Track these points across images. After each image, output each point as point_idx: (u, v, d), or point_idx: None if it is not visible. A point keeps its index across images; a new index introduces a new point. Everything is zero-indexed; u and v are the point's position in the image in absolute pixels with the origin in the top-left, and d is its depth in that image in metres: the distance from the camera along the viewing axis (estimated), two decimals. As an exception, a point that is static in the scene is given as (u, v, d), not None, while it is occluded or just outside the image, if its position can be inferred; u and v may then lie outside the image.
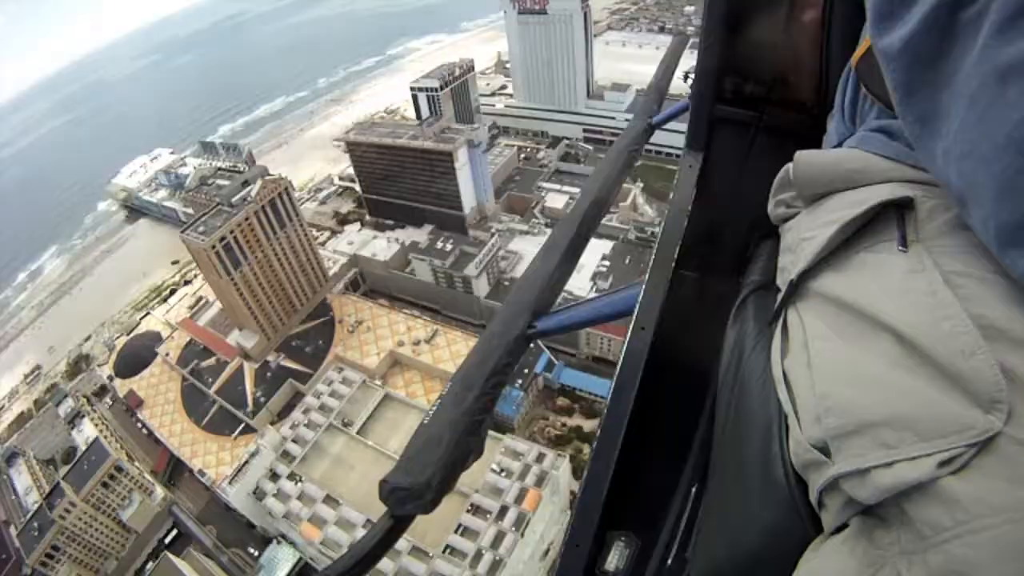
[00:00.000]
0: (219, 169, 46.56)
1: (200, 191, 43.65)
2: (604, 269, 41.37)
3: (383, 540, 1.19)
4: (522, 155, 54.64)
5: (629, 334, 1.49)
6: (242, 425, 39.73)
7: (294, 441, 31.84)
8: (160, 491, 40.10)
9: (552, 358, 37.80)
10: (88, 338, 58.88)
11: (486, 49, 66.94)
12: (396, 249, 44.83)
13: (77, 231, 75.80)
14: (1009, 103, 0.47)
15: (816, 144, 1.21)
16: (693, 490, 1.43)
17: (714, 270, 1.73)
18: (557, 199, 47.37)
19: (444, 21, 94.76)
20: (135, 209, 72.40)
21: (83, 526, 36.94)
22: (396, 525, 1.21)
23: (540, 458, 27.99)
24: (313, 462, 31.08)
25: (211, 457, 39.70)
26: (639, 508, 1.46)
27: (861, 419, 0.57)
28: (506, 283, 41.14)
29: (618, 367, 1.48)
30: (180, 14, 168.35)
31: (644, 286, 1.59)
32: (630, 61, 56.73)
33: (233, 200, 39.15)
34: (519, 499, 26.70)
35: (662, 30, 62.73)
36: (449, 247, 41.82)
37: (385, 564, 26.51)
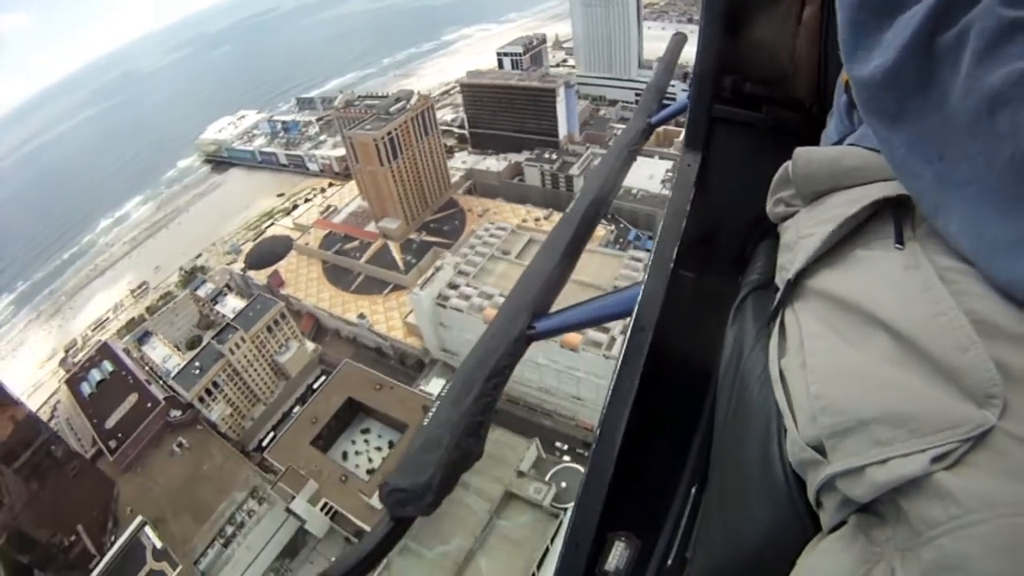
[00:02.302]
0: (359, 96, 59.76)
1: (348, 109, 56.51)
2: (669, 175, 56.48)
3: (383, 542, 1.23)
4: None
5: (628, 334, 1.53)
6: (391, 285, 51.28)
7: (466, 263, 44.08)
8: (310, 344, 50.50)
9: (639, 232, 51.95)
10: (199, 255, 68.76)
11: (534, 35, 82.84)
12: (506, 164, 58.61)
13: (161, 184, 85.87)
14: (1000, 134, 0.50)
15: (816, 143, 1.28)
16: (693, 490, 1.47)
17: (713, 270, 1.74)
18: (626, 135, 63.23)
19: (490, 13, 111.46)
20: (221, 161, 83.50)
21: (245, 364, 45.68)
22: (396, 527, 1.24)
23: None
24: (483, 278, 43.24)
25: (364, 310, 50.70)
26: (639, 508, 1.49)
27: (855, 417, 0.59)
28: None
29: (617, 367, 1.52)
30: (199, 15, 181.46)
31: (643, 286, 1.62)
32: (662, 45, 74.36)
33: (391, 110, 52.46)
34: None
35: (690, 21, 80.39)
36: (554, 157, 56.03)
37: (545, 363, 38.38)
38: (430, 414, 1.40)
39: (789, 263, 0.92)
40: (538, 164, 56.02)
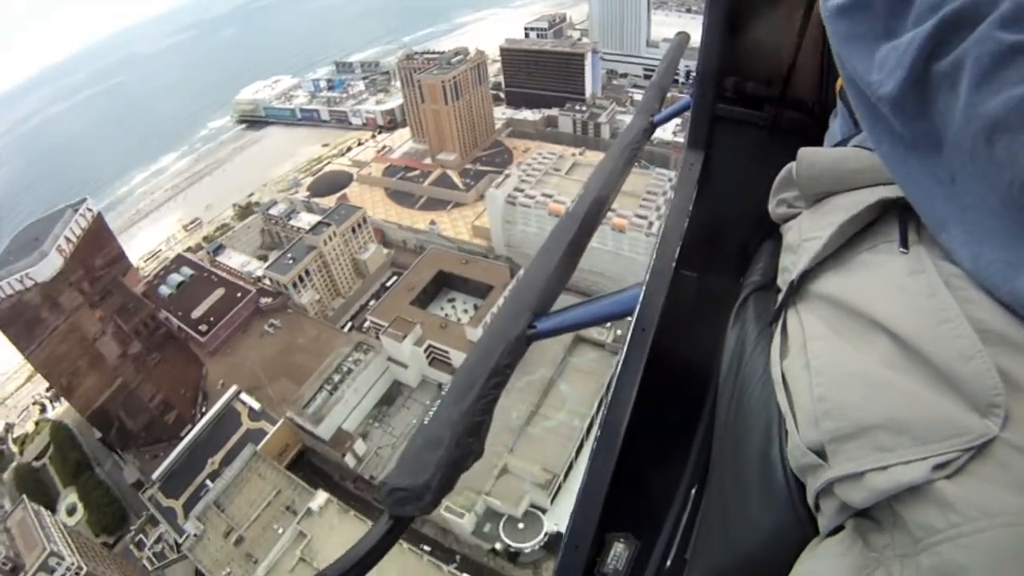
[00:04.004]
0: (416, 52, 71.23)
1: (410, 60, 67.77)
2: (678, 128, 70.19)
3: (382, 541, 1.27)
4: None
5: (629, 335, 1.58)
6: (452, 203, 62.03)
7: (527, 175, 55.69)
8: (384, 248, 60.44)
9: (654, 167, 64.98)
10: (252, 194, 76.96)
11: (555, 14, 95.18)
12: (540, 115, 70.95)
13: (197, 141, 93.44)
14: (999, 162, 0.52)
15: (818, 143, 1.34)
16: (693, 491, 1.52)
17: (715, 270, 1.80)
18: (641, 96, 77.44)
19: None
20: (257, 121, 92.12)
21: (334, 256, 55.38)
22: (395, 526, 1.28)
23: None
24: (541, 186, 54.81)
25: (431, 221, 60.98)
26: (639, 509, 1.54)
27: (858, 422, 0.61)
28: (617, 132, 69.90)
29: (618, 367, 1.57)
30: (192, 2, 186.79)
31: (644, 286, 1.67)
32: (670, 27, 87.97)
33: (452, 61, 64.23)
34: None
35: (689, 11, 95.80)
36: (583, 109, 68.88)
37: (598, 246, 50.40)
38: (430, 413, 1.48)
39: (792, 265, 0.95)
40: (571, 114, 68.94)
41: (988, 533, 0.47)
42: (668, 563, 1.48)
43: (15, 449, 54.82)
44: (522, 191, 53.89)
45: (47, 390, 61.15)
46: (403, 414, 46.07)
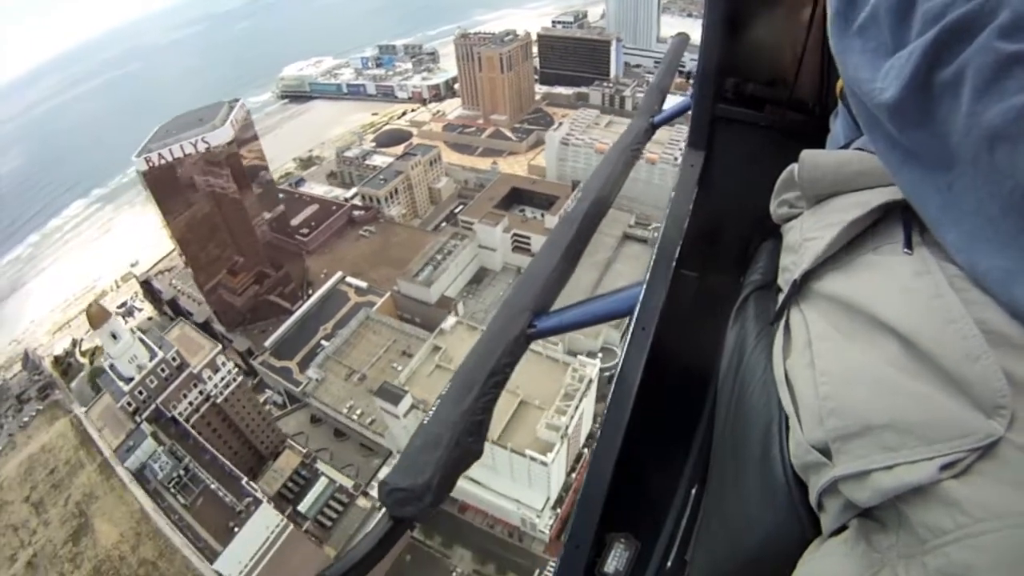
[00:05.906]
0: (469, 32, 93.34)
1: (465, 39, 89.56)
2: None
3: (382, 542, 1.38)
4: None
5: (629, 334, 1.74)
6: (506, 152, 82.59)
7: (574, 126, 77.16)
8: (453, 182, 80.00)
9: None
10: (310, 150, 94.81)
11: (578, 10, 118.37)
12: (573, 91, 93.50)
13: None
14: (1000, 170, 0.58)
15: (818, 144, 1.44)
16: (693, 491, 1.64)
17: (715, 270, 1.98)
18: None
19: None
20: (300, 96, 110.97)
21: (416, 181, 75.24)
22: (396, 527, 1.39)
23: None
24: (587, 135, 76.35)
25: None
26: (639, 510, 1.68)
27: (864, 421, 0.67)
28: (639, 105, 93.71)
29: (618, 367, 1.73)
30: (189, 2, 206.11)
31: (645, 286, 1.85)
32: (675, 28, 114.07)
33: (505, 39, 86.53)
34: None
35: (690, 16, 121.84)
36: (610, 86, 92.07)
37: (633, 176, 71.90)
38: (430, 413, 1.56)
39: (794, 265, 1.03)
40: (600, 89, 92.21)
41: (996, 534, 0.51)
42: (669, 563, 1.62)
43: (84, 360, 62.86)
44: (572, 135, 75.28)
45: (119, 307, 75.22)
46: (490, 290, 64.30)
